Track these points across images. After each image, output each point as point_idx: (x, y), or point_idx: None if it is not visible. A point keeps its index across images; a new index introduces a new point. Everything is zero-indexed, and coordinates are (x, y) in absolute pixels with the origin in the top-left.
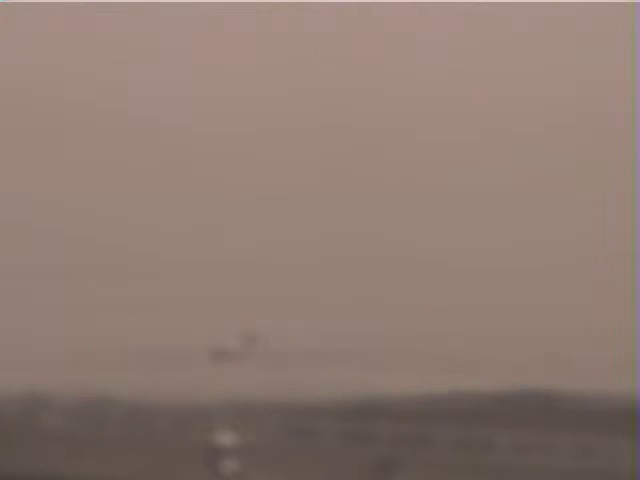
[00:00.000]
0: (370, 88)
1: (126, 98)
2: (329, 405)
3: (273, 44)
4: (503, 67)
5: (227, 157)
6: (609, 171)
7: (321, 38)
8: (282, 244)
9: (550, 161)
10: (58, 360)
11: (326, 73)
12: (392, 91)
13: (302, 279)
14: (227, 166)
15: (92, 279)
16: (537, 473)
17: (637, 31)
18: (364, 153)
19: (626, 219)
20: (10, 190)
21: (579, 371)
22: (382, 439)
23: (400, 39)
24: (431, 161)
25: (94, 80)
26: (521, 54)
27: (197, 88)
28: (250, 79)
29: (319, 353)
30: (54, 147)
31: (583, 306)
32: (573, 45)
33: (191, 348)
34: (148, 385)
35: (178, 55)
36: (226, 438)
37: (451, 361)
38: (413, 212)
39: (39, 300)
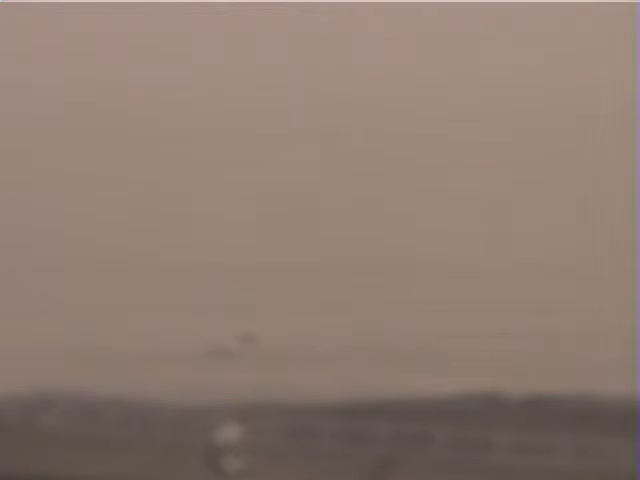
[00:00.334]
0: (370, 88)
1: (126, 98)
2: (329, 405)
3: (273, 44)
4: (503, 67)
5: (227, 157)
6: (609, 171)
7: (321, 38)
8: (282, 244)
9: (550, 161)
10: (58, 360)
11: (326, 73)
12: (392, 91)
13: (302, 279)
14: (227, 166)
15: (92, 279)
16: (537, 473)
17: (637, 31)
18: (364, 153)
19: (626, 219)
20: (10, 190)
21: (579, 371)
22: (382, 439)
23: (400, 39)
24: (431, 161)
25: (94, 80)
26: (521, 54)
27: (197, 88)
28: (250, 79)
29: (319, 353)
30: (54, 147)
31: (583, 306)
32: (573, 45)
33: (190, 348)
34: (147, 385)
35: (178, 55)
36: (226, 437)
37: (451, 361)
38: (413, 212)
39: (39, 300)
